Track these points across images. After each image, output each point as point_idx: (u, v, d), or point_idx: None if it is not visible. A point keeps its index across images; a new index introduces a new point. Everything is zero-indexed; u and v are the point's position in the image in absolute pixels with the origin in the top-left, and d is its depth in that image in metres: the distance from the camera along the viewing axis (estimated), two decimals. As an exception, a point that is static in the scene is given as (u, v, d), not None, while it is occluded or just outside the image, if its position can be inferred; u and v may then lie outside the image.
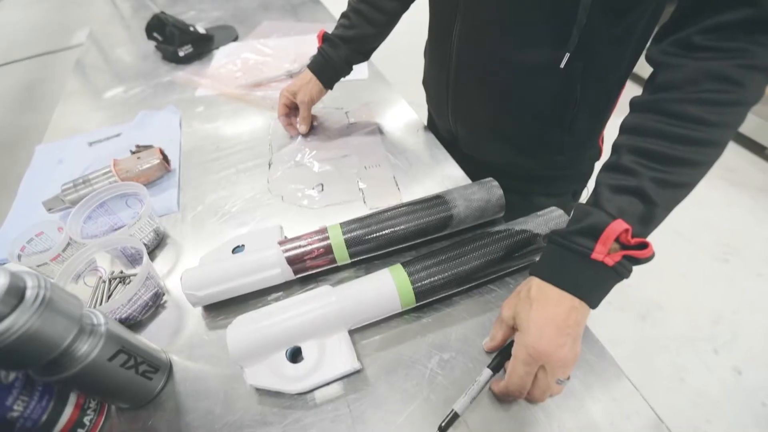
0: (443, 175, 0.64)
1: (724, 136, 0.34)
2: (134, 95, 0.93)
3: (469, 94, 0.60)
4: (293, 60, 0.94)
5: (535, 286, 0.36)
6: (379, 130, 0.74)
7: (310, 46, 0.98)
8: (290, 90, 0.70)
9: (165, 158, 0.69)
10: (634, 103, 0.38)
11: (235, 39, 1.08)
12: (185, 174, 0.71)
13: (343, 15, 0.68)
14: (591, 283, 0.34)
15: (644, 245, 0.32)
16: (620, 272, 0.33)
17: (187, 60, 1.00)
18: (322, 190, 0.64)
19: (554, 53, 0.47)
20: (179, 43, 0.98)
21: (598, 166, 0.60)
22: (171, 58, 1.01)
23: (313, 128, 0.76)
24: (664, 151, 0.33)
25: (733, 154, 1.95)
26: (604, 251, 0.33)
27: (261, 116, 0.81)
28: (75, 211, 0.56)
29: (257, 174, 0.68)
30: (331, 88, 0.71)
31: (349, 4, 0.68)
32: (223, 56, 1.02)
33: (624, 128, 0.37)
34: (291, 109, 0.72)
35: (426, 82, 0.74)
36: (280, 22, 1.15)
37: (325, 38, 0.69)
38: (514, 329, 0.37)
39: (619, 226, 0.32)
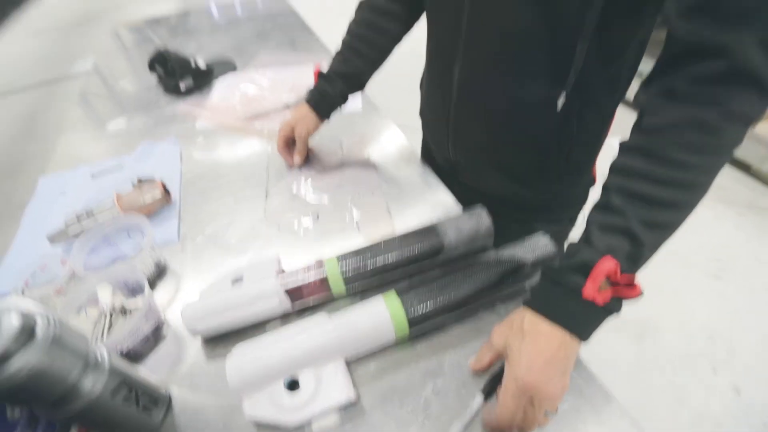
0: (435, 202, 0.66)
1: (707, 180, 0.37)
2: (136, 126, 0.96)
3: (470, 128, 0.63)
4: (290, 90, 0.98)
5: (527, 318, 0.37)
6: (372, 161, 0.77)
7: (307, 77, 1.02)
8: (289, 124, 0.73)
9: (166, 191, 0.71)
10: (622, 146, 0.40)
11: (234, 70, 1.12)
12: (185, 205, 0.73)
13: (338, 52, 0.72)
14: (582, 318, 0.36)
15: (632, 285, 0.34)
16: (610, 310, 0.35)
17: (188, 92, 1.04)
18: (317, 218, 0.66)
19: (553, 91, 0.51)
20: (180, 76, 1.02)
21: (592, 191, 0.63)
22: (172, 90, 1.04)
23: (309, 159, 0.78)
24: (650, 192, 0.36)
25: (721, 172, 1.99)
26: (594, 288, 0.34)
27: (259, 146, 0.84)
28: (78, 244, 0.58)
29: (255, 203, 0.70)
30: (328, 119, 0.75)
31: (343, 41, 0.72)
32: (222, 88, 1.06)
33: (613, 169, 0.40)
34: (289, 142, 0.75)
35: (423, 114, 0.77)
36: (276, 52, 1.19)
37: (320, 75, 0.72)
38: (501, 356, 0.39)
39: (608, 263, 0.34)
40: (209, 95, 1.03)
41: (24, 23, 5.04)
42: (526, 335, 0.36)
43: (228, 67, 1.14)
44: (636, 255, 0.36)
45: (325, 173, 0.75)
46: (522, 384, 0.34)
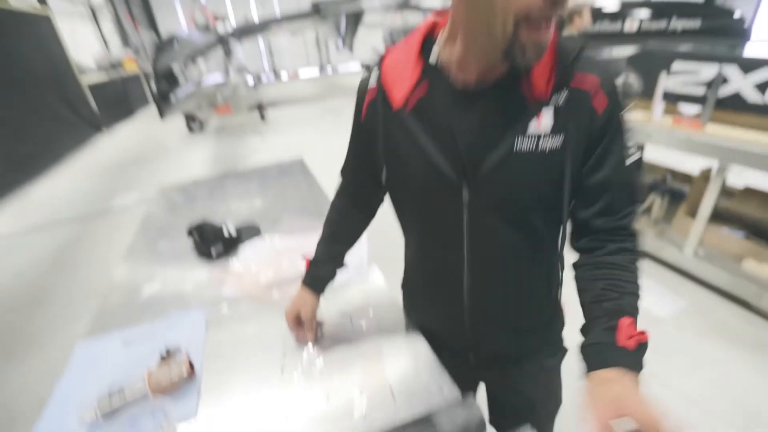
0: (435, 388, 0.73)
1: (639, 275, 0.59)
2: (169, 292, 1.09)
3: (485, 319, 0.74)
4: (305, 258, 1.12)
5: (602, 376, 0.51)
6: (378, 342, 0.85)
7: None
8: (293, 310, 0.84)
9: (191, 366, 0.79)
10: (577, 265, 0.63)
11: (258, 235, 1.31)
12: (206, 378, 0.80)
13: (321, 241, 0.87)
14: (628, 359, 0.51)
15: (643, 332, 0.52)
16: (640, 351, 0.52)
17: (218, 257, 1.20)
18: (328, 399, 0.72)
19: (549, 272, 0.71)
20: (213, 243, 1.20)
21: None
22: (204, 255, 1.21)
23: (321, 332, 0.88)
24: (625, 286, 0.58)
25: (724, 310, 2.02)
26: (623, 338, 0.52)
27: (276, 318, 0.95)
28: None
29: (272, 378, 0.77)
30: (323, 293, 0.87)
31: (323, 233, 0.88)
32: (247, 253, 1.22)
33: (585, 281, 0.61)
34: (299, 322, 0.85)
35: (423, 311, 0.86)
36: (296, 218, 1.39)
37: (311, 262, 0.86)
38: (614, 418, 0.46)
39: (627, 320, 0.53)
40: (235, 260, 1.19)
41: (81, 161, 5.82)
42: (616, 383, 0.49)
43: (254, 232, 1.33)
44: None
45: (336, 349, 0.83)
46: (649, 411, 0.44)
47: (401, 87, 0.62)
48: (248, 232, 1.33)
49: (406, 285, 0.89)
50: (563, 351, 0.84)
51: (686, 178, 2.73)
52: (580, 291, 0.62)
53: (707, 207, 2.03)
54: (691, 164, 2.07)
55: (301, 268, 1.04)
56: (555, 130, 0.56)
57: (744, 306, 2.00)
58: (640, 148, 2.55)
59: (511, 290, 0.71)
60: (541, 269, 0.70)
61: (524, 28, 0.48)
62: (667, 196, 2.50)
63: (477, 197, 0.61)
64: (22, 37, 5.47)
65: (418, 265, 0.81)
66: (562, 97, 0.55)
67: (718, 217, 2.29)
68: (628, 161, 0.59)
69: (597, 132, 0.56)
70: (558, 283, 0.75)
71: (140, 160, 5.64)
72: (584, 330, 0.58)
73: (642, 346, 0.52)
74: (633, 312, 0.55)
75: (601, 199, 0.60)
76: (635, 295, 0.58)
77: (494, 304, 0.72)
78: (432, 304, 0.82)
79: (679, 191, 2.56)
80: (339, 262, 0.88)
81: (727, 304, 2.04)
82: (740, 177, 2.39)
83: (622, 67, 2.31)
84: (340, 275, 0.89)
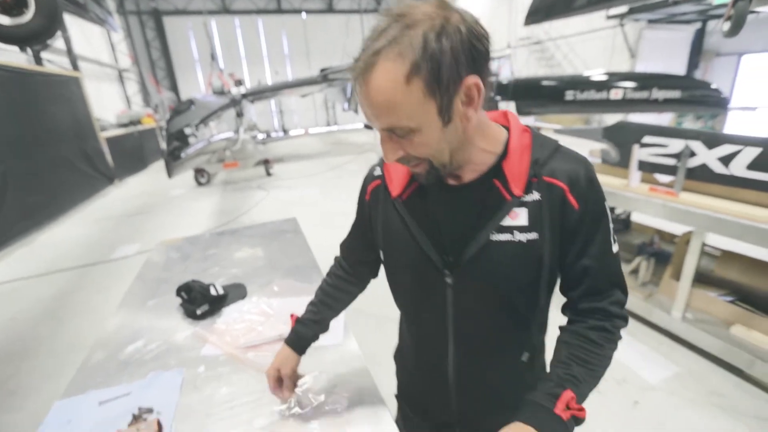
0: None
1: (610, 358, 0.65)
2: (151, 351, 1.13)
3: (470, 394, 0.77)
4: (285, 323, 1.17)
5: (521, 427, 0.56)
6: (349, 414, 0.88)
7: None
8: (275, 368, 0.87)
9: (160, 429, 0.82)
10: (560, 329, 0.68)
11: (244, 297, 1.36)
12: (173, 441, 0.82)
13: (312, 303, 0.91)
14: (554, 426, 0.57)
15: (581, 409, 0.58)
16: (570, 425, 0.57)
17: (202, 317, 1.25)
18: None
19: (529, 343, 0.74)
20: (199, 304, 1.25)
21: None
22: (190, 315, 1.26)
23: (296, 395, 0.90)
24: (587, 358, 0.63)
25: (719, 378, 1.98)
26: (561, 408, 0.57)
27: (252, 378, 0.98)
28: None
29: (234, 445, 0.79)
30: (305, 353, 0.90)
31: (315, 297, 0.92)
32: (232, 312, 1.27)
33: (559, 343, 0.67)
34: (279, 382, 0.87)
35: (411, 385, 0.90)
36: (283, 282, 1.45)
37: (298, 321, 0.90)
38: None
39: (569, 393, 0.58)
40: (218, 319, 1.24)
41: (90, 211, 6.01)
42: None
43: (240, 293, 1.38)
44: (580, 392, 0.60)
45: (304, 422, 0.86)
46: None
47: (399, 178, 0.70)
48: (235, 291, 1.39)
49: (398, 355, 0.92)
50: None
51: (673, 238, 2.79)
52: (553, 352, 0.68)
53: (689, 270, 2.07)
54: (676, 225, 2.14)
55: (282, 330, 1.08)
56: (531, 222, 0.61)
57: (737, 373, 1.96)
58: (627, 214, 2.61)
59: (495, 368, 0.74)
60: (524, 348, 0.73)
61: None
62: (654, 259, 2.55)
63: (460, 282, 0.67)
64: (51, 96, 5.93)
65: (408, 339, 0.84)
66: (537, 192, 0.61)
67: (704, 280, 2.32)
68: (614, 249, 0.65)
69: (573, 224, 0.62)
70: (542, 361, 0.79)
71: (147, 211, 5.82)
72: (538, 385, 0.63)
73: (576, 420, 0.58)
74: (582, 386, 0.60)
75: (584, 283, 0.65)
76: (594, 372, 0.62)
77: (479, 381, 0.76)
78: (421, 378, 0.84)
79: (665, 253, 2.61)
80: (324, 327, 0.91)
81: (720, 370, 2.00)
82: (723, 239, 2.45)
83: (598, 137, 2.48)
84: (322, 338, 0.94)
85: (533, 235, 0.61)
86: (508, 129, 0.65)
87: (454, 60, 0.51)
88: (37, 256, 4.31)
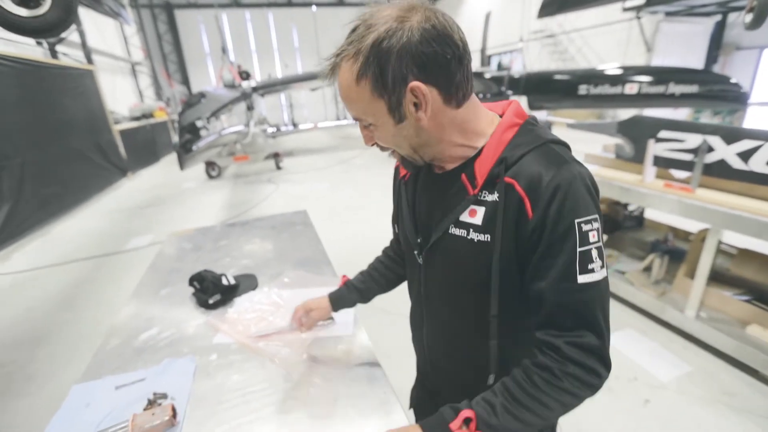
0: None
1: (554, 408, 0.57)
2: (164, 338, 1.15)
3: (441, 367, 0.82)
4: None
5: (412, 429, 0.61)
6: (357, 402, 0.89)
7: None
8: (306, 308, 1.02)
9: (174, 413, 0.84)
10: (521, 362, 0.61)
11: (255, 288, 1.37)
12: (186, 425, 0.83)
13: (362, 272, 1.01)
14: None
15: None
16: None
17: (214, 306, 1.27)
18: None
19: (484, 337, 0.67)
20: (211, 293, 1.27)
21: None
22: (202, 304, 1.28)
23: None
24: (516, 394, 0.58)
25: (733, 377, 1.94)
26: (456, 425, 0.57)
27: (263, 367, 0.99)
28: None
29: (249, 430, 0.80)
30: (337, 311, 1.02)
31: (368, 267, 1.01)
32: (243, 302, 1.28)
33: (511, 374, 0.61)
34: (303, 317, 1.02)
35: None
36: (293, 274, 1.46)
37: (345, 283, 1.02)
38: None
39: (468, 412, 0.57)
40: (230, 309, 1.25)
41: (104, 203, 6.12)
42: None
43: (251, 283, 1.40)
44: (491, 423, 0.57)
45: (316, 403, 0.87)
46: None
47: None
48: (246, 281, 1.40)
49: (410, 318, 0.92)
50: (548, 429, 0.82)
51: (688, 235, 2.74)
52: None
53: (704, 268, 2.03)
54: (692, 222, 2.11)
55: (287, 322, 1.12)
56: (484, 224, 0.59)
57: (751, 373, 1.93)
58: (640, 210, 2.57)
59: (457, 349, 0.76)
60: (483, 342, 0.67)
61: None
62: (668, 256, 2.50)
63: (427, 264, 0.72)
64: (67, 89, 6.03)
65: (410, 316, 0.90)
66: (495, 193, 0.58)
67: (720, 279, 2.28)
68: (581, 280, 0.54)
69: (528, 235, 0.55)
70: (501, 360, 0.70)
71: (159, 203, 5.90)
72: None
73: None
74: (495, 417, 0.56)
75: (539, 311, 0.58)
76: (519, 411, 0.56)
77: (443, 357, 0.80)
78: (414, 343, 0.91)
79: (680, 251, 2.57)
80: (365, 297, 1.00)
81: (733, 370, 1.97)
82: (739, 237, 2.40)
83: (613, 132, 2.44)
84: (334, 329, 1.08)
85: (485, 237, 0.59)
86: None
87: (399, 63, 0.53)
88: (53, 246, 4.40)
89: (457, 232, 0.63)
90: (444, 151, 0.63)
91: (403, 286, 0.93)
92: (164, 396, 0.91)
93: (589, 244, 0.54)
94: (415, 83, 0.54)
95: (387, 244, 1.03)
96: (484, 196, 0.60)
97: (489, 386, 0.68)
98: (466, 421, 0.57)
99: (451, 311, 0.73)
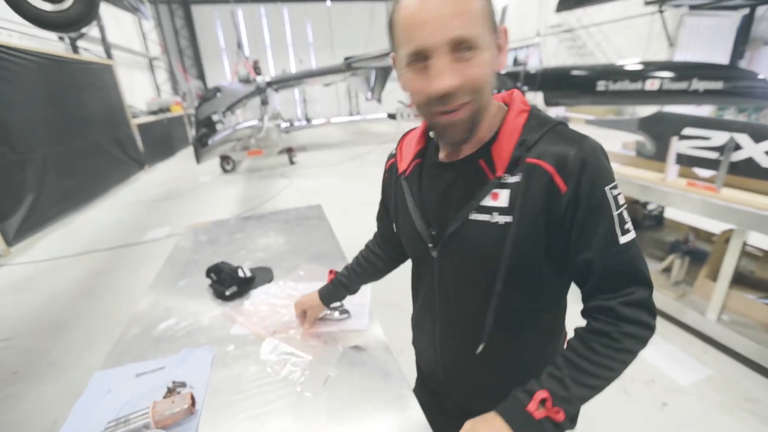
0: None
1: (617, 368, 0.59)
2: (182, 328, 1.17)
3: (454, 362, 0.80)
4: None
5: (491, 416, 0.59)
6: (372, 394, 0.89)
7: None
8: (302, 307, 1.09)
9: (193, 402, 0.85)
10: (575, 331, 0.64)
11: (270, 281, 1.39)
12: (205, 413, 0.85)
13: (345, 268, 1.05)
14: (523, 424, 0.57)
15: (558, 412, 0.56)
16: (542, 424, 0.56)
17: (231, 298, 1.28)
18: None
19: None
20: (228, 285, 1.28)
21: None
22: (219, 295, 1.29)
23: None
24: (581, 364, 0.59)
25: (756, 384, 1.89)
26: (533, 407, 0.56)
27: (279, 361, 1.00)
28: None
29: (267, 419, 0.81)
30: (328, 306, 1.08)
31: (352, 262, 1.05)
32: (259, 294, 1.30)
33: (568, 344, 0.63)
34: (303, 315, 1.09)
35: (416, 347, 0.94)
36: (315, 266, 1.47)
37: (332, 281, 1.06)
38: None
39: (544, 393, 0.57)
40: (246, 301, 1.27)
41: (123, 195, 6.26)
42: (488, 424, 0.58)
43: (267, 276, 1.41)
44: (563, 396, 0.57)
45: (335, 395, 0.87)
46: None
47: (406, 156, 0.76)
48: (262, 274, 1.42)
49: (412, 320, 0.92)
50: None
51: (710, 236, 2.66)
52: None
53: (728, 271, 1.97)
54: (714, 222, 2.04)
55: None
56: (510, 205, 0.59)
57: (775, 380, 1.87)
58: (660, 210, 2.51)
59: (474, 346, 0.71)
60: (503, 331, 0.69)
61: (434, 114, 0.58)
62: (688, 257, 2.44)
63: (443, 257, 0.70)
64: (87, 83, 6.17)
65: (414, 307, 0.89)
66: (519, 174, 0.58)
67: (743, 281, 2.21)
68: (622, 241, 0.57)
69: (563, 210, 0.57)
70: (531, 349, 0.74)
71: (176, 196, 6.01)
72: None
73: (548, 422, 0.56)
74: (567, 391, 0.57)
75: (589, 279, 0.60)
76: (588, 380, 0.58)
77: (459, 355, 0.77)
78: (419, 345, 0.91)
79: (701, 252, 2.50)
80: (351, 290, 1.05)
81: (756, 375, 1.91)
82: (765, 239, 2.32)
83: (634, 129, 2.38)
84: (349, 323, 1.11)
85: (509, 218, 0.60)
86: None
87: None
88: (75, 237, 4.52)
89: (480, 217, 0.62)
90: (485, 119, 0.62)
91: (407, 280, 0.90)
92: (183, 384, 0.93)
93: (620, 207, 0.58)
94: (503, 26, 0.57)
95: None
96: (506, 179, 0.60)
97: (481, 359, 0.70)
98: (542, 402, 0.57)
99: (468, 303, 0.70)
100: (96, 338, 2.53)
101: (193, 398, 0.85)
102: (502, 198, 0.60)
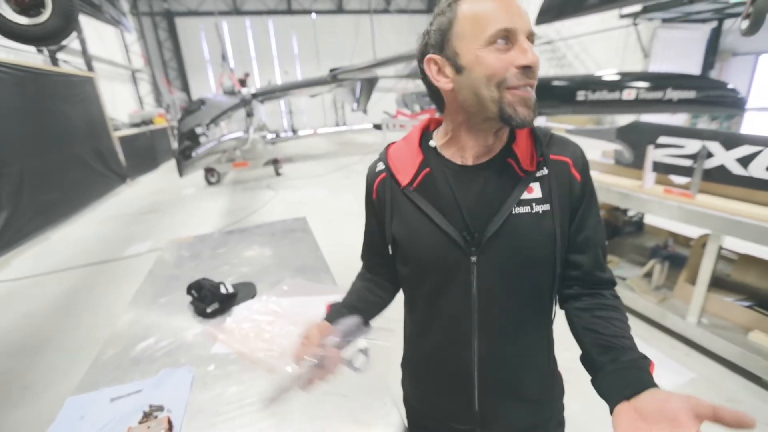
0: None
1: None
2: (162, 348, 1.13)
3: (497, 385, 0.75)
4: (293, 324, 1.17)
5: (655, 390, 0.55)
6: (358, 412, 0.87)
7: (319, 309, 1.22)
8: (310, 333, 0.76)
9: (170, 427, 0.82)
10: (579, 309, 0.70)
11: (253, 296, 1.36)
12: (183, 439, 0.82)
13: (335, 307, 0.82)
14: (652, 380, 0.57)
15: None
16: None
17: (212, 315, 1.25)
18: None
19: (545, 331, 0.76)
20: (210, 302, 1.26)
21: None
22: (200, 313, 1.26)
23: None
24: (625, 327, 0.66)
25: (736, 388, 1.92)
26: (652, 368, 0.59)
27: (261, 377, 0.98)
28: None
29: (244, 444, 0.79)
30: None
31: (353, 293, 0.86)
32: (242, 311, 1.27)
33: (598, 317, 0.68)
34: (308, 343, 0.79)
35: (421, 393, 0.83)
36: (299, 280, 1.45)
37: (334, 306, 0.83)
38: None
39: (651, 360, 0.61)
40: (228, 318, 1.24)
41: (99, 210, 6.11)
42: (648, 397, 0.54)
43: (250, 291, 1.39)
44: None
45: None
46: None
47: (406, 168, 0.73)
48: (245, 290, 1.39)
49: (407, 364, 0.86)
50: (563, 425, 0.84)
51: (688, 241, 2.74)
52: (587, 329, 0.68)
53: (705, 274, 2.03)
54: (692, 227, 2.10)
55: (292, 330, 1.10)
56: (543, 195, 0.68)
57: (754, 380, 1.91)
58: (640, 216, 2.58)
59: (518, 355, 0.73)
60: (541, 333, 0.75)
61: (506, 92, 0.61)
62: (668, 262, 2.49)
63: (484, 259, 0.68)
64: (67, 95, 6.05)
65: (422, 340, 0.80)
66: (546, 168, 0.68)
67: (721, 284, 2.27)
68: (600, 223, 0.71)
69: (577, 195, 0.69)
70: (553, 350, 0.80)
71: (159, 209, 5.89)
72: (611, 355, 0.63)
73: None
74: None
75: (587, 255, 0.71)
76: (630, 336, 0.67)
77: (503, 369, 0.74)
78: (438, 380, 0.79)
79: (680, 256, 2.56)
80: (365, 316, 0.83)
81: (736, 377, 1.95)
82: (740, 243, 2.39)
83: (612, 138, 2.44)
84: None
85: (546, 207, 0.67)
86: None
87: None
88: (52, 253, 4.38)
89: (521, 210, 0.67)
90: None
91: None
92: (160, 408, 0.90)
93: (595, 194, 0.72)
94: None
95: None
96: (536, 173, 0.68)
97: (544, 366, 0.76)
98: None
99: (516, 301, 0.70)
100: (74, 359, 2.43)
101: (170, 422, 0.83)
102: (536, 190, 0.68)
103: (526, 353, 0.74)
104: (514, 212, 0.66)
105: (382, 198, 0.76)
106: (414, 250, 0.73)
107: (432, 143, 0.73)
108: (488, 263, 0.68)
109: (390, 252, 0.77)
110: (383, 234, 0.78)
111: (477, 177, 0.69)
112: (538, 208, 0.67)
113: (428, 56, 0.66)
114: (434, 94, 0.71)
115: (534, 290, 0.71)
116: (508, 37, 0.60)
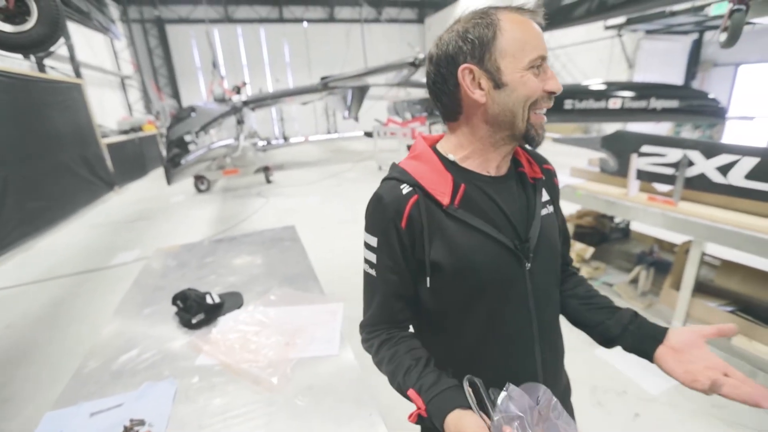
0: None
1: None
2: (144, 360, 1.11)
3: (556, 383, 0.79)
4: (281, 334, 1.16)
5: (670, 330, 0.70)
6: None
7: (306, 319, 1.22)
8: None
9: (151, 441, 0.81)
10: (581, 285, 0.85)
11: (240, 307, 1.35)
12: (164, 454, 0.81)
13: (410, 373, 0.68)
14: None
15: None
16: None
17: (198, 326, 1.24)
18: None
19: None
20: (195, 313, 1.24)
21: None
22: (185, 324, 1.25)
23: None
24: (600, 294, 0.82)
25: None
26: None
27: (247, 389, 0.97)
28: None
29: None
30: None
31: (412, 357, 0.70)
32: (228, 321, 1.26)
33: (594, 295, 0.83)
34: None
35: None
36: (287, 290, 1.44)
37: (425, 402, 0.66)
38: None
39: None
40: (214, 329, 1.22)
41: (87, 218, 6.00)
42: (670, 336, 0.69)
43: (237, 301, 1.37)
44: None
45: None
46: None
47: (440, 187, 0.67)
48: (231, 300, 1.38)
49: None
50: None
51: (673, 247, 2.78)
52: (582, 305, 0.80)
53: (689, 280, 2.06)
54: (677, 234, 2.14)
55: (278, 341, 1.09)
56: (549, 197, 0.78)
57: (738, 386, 1.94)
58: (626, 222, 2.62)
59: (561, 351, 0.82)
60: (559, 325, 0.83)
61: (533, 113, 0.66)
62: (653, 268, 2.53)
63: (534, 264, 0.71)
64: (54, 102, 5.96)
65: (474, 366, 0.70)
66: (544, 176, 0.78)
67: (705, 290, 2.31)
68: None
69: (557, 195, 0.83)
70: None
71: (147, 217, 5.82)
72: (617, 317, 0.74)
73: None
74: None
75: (565, 245, 0.85)
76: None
77: (556, 368, 0.80)
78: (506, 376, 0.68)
79: (665, 262, 2.60)
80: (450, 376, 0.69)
81: (721, 383, 1.98)
82: (723, 249, 2.44)
83: (597, 146, 2.49)
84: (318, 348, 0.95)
85: (551, 207, 0.78)
86: None
87: None
88: (37, 262, 4.29)
89: (545, 211, 0.75)
90: None
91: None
92: (141, 423, 0.88)
93: None
94: None
95: None
96: (543, 179, 0.77)
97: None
98: None
99: (556, 300, 0.80)
100: (57, 371, 2.37)
101: (151, 437, 0.81)
102: (544, 194, 0.77)
103: (561, 348, 0.82)
104: (543, 214, 0.74)
105: (417, 223, 0.67)
106: (470, 271, 0.67)
107: (451, 157, 0.70)
108: (537, 268, 0.72)
109: (427, 285, 0.69)
110: (414, 269, 0.70)
111: (507, 186, 0.73)
112: (549, 209, 0.77)
113: (466, 65, 0.64)
114: (450, 102, 0.68)
115: (558, 285, 0.81)
116: (541, 63, 0.65)
